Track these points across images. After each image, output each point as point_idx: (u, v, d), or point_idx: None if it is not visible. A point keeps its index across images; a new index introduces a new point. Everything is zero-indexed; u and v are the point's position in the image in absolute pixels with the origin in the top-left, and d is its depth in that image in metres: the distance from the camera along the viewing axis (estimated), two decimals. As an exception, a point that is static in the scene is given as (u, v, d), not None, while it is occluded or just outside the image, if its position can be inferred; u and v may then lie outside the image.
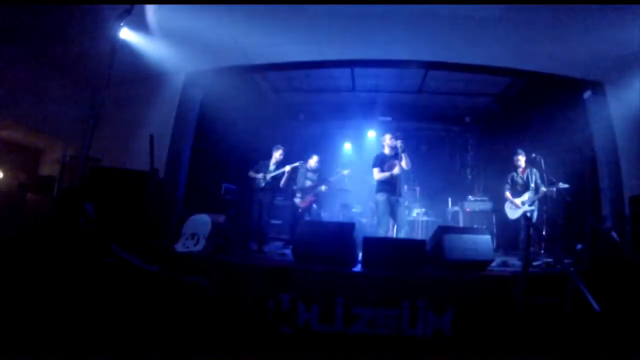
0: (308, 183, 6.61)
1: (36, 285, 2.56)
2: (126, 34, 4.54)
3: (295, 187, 6.59)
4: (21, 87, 4.80)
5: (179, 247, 4.57)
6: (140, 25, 4.63)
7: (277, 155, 6.36)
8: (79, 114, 4.88)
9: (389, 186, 5.38)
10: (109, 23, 4.08)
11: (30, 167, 5.79)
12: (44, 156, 6.10)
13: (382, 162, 5.52)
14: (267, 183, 6.18)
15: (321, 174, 6.71)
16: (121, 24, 4.08)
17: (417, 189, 8.14)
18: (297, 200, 6.54)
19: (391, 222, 5.70)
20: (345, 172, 6.86)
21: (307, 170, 6.62)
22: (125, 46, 4.64)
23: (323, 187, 6.54)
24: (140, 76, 5.44)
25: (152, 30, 4.75)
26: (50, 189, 4.98)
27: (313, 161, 6.61)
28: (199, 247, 4.54)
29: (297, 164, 6.28)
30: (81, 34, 4.55)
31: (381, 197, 5.38)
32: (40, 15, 4.27)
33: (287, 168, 6.18)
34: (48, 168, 5.80)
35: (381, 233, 5.37)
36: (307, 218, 6.52)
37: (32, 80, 4.91)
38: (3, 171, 5.53)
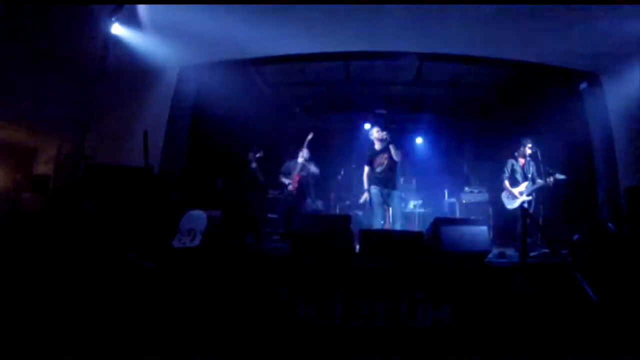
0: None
1: (33, 281, 2.55)
2: (118, 29, 4.48)
3: (287, 181, 6.52)
4: (14, 86, 4.75)
5: (175, 243, 4.56)
6: (132, 20, 4.57)
7: (302, 156, 6.46)
8: (72, 112, 4.84)
9: (381, 180, 5.40)
10: (101, 19, 4.03)
11: (25, 167, 5.75)
12: (38, 155, 6.04)
13: (372, 158, 5.53)
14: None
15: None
16: (113, 19, 4.03)
17: (414, 180, 8.16)
18: (285, 180, 6.48)
19: (388, 214, 5.72)
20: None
21: (297, 164, 6.57)
22: (117, 42, 4.58)
23: (312, 167, 6.51)
24: (133, 72, 5.38)
25: (144, 25, 4.69)
26: (45, 188, 4.94)
27: (302, 155, 6.60)
28: (195, 243, 4.53)
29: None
30: (73, 31, 4.49)
31: (374, 190, 5.42)
32: (32, 13, 4.20)
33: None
34: (43, 167, 5.76)
35: (376, 225, 5.39)
36: (302, 208, 6.49)
37: (24, 79, 4.86)
38: None
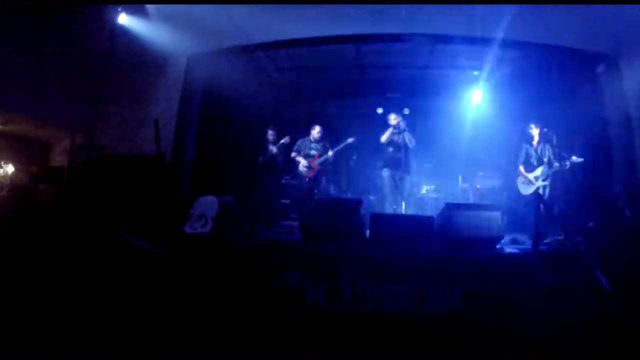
0: (313, 153, 6.37)
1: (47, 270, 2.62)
2: (124, 19, 4.49)
3: (304, 162, 6.35)
4: (27, 81, 4.86)
5: (187, 229, 4.63)
6: (139, 9, 4.57)
7: (315, 133, 6.33)
8: (84, 104, 4.93)
9: (394, 162, 5.35)
10: (107, 10, 4.04)
11: (41, 159, 5.96)
12: (53, 147, 6.24)
13: (390, 139, 5.49)
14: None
15: (326, 144, 6.45)
16: (119, 9, 4.04)
17: (426, 165, 8.04)
18: (303, 169, 6.31)
19: (400, 199, 5.68)
20: (350, 140, 6.59)
21: (311, 142, 6.40)
22: (125, 32, 4.60)
23: (330, 153, 6.30)
24: (142, 61, 5.41)
25: (150, 14, 4.67)
26: (61, 179, 5.07)
27: (315, 132, 6.40)
28: (206, 229, 4.59)
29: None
30: (80, 23, 4.53)
31: (385, 173, 5.39)
32: (39, 8, 4.23)
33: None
34: (58, 159, 5.93)
35: (387, 210, 5.37)
36: (316, 193, 6.47)
37: (37, 74, 4.96)
38: (15, 164, 5.71)
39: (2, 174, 5.57)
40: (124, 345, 2.25)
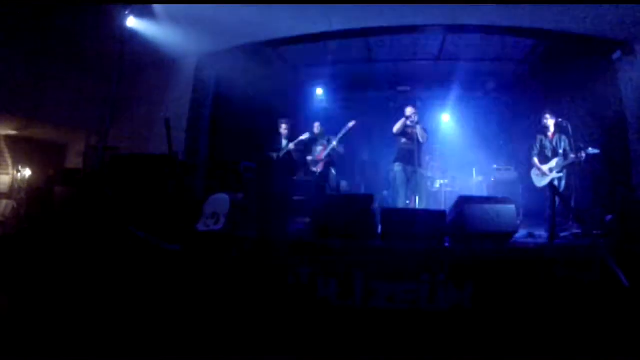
0: (319, 149, 6.62)
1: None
2: (133, 22, 4.54)
3: (310, 158, 6.62)
4: (41, 85, 4.97)
5: (200, 227, 4.69)
6: (146, 12, 4.61)
7: (315, 130, 6.62)
8: (97, 106, 5.02)
9: (406, 156, 5.30)
10: (115, 14, 4.10)
11: (57, 162, 6.13)
12: (69, 150, 6.40)
13: (402, 130, 5.47)
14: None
15: (330, 137, 6.63)
16: (126, 12, 4.10)
17: (440, 159, 7.96)
18: (311, 164, 6.58)
19: (412, 193, 5.63)
20: (351, 124, 6.59)
21: (315, 139, 6.64)
22: (134, 35, 4.66)
23: (334, 142, 6.45)
24: (152, 63, 5.50)
25: (158, 16, 4.71)
26: (76, 181, 5.19)
27: (315, 128, 6.69)
28: (219, 226, 4.65)
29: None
30: (90, 28, 4.60)
31: (397, 167, 5.34)
32: (49, 13, 4.31)
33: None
34: (74, 161, 6.09)
35: (399, 204, 5.33)
36: (327, 187, 6.52)
37: (51, 78, 5.07)
38: (32, 167, 5.90)
39: (20, 178, 5.78)
40: (137, 341, 2.30)
